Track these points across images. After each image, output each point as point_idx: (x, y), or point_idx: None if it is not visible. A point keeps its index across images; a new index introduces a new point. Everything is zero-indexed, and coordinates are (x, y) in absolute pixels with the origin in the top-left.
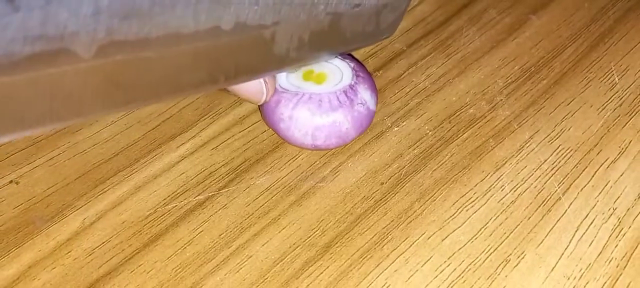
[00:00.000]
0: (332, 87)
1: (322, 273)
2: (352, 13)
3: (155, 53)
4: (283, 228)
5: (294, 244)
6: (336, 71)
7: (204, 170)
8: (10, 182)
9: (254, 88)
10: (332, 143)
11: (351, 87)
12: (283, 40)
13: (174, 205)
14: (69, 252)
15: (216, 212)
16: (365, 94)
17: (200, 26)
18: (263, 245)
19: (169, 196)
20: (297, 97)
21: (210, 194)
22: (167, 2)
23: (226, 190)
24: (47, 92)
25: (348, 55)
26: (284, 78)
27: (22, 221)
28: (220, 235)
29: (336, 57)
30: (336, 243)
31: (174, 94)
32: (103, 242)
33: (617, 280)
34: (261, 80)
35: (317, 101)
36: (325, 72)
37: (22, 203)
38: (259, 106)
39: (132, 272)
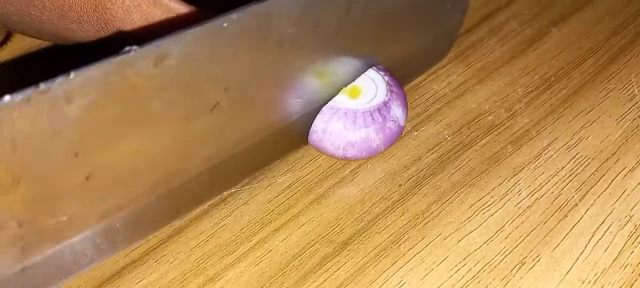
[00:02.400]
0: (366, 102)
1: (339, 268)
2: (405, 52)
3: (243, 147)
4: (302, 225)
5: (312, 240)
6: (371, 85)
7: None
8: None
9: None
10: (362, 156)
11: (385, 104)
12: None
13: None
14: None
15: (238, 207)
16: (397, 111)
17: (278, 113)
18: (283, 240)
19: None
20: (332, 111)
21: (232, 190)
22: (247, 110)
23: (249, 186)
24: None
25: (383, 68)
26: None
27: None
28: (241, 229)
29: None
30: (354, 240)
31: (255, 171)
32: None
33: (632, 285)
34: None
35: (352, 117)
36: (360, 86)
37: None
38: None
39: (156, 261)
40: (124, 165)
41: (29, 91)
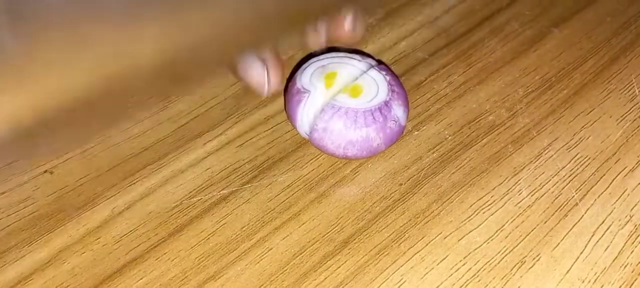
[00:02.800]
0: (367, 102)
1: (339, 267)
2: None
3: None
4: (303, 224)
5: (313, 239)
6: (372, 85)
7: (228, 166)
8: (45, 171)
9: (255, 79)
10: (363, 155)
11: (386, 103)
12: None
13: (199, 198)
14: (98, 239)
15: (239, 206)
16: (398, 111)
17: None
18: (283, 239)
19: (194, 189)
20: (333, 110)
21: (234, 189)
22: None
23: (249, 185)
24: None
25: (385, 68)
26: (321, 91)
27: (55, 208)
28: (242, 227)
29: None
30: (354, 239)
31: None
32: (131, 230)
33: (632, 285)
34: (263, 72)
35: (353, 116)
36: (361, 85)
37: (55, 192)
38: None
39: (157, 259)
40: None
41: None
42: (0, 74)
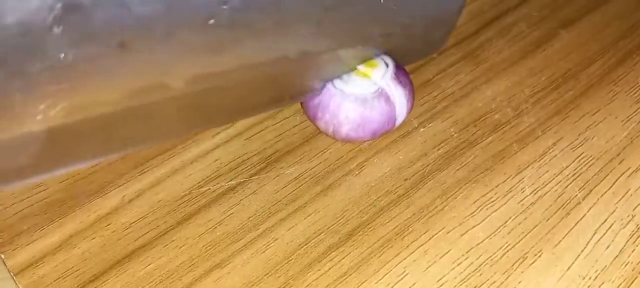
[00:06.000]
0: (370, 84)
1: (343, 258)
2: (404, 33)
3: (233, 81)
4: (309, 215)
5: (318, 230)
6: (381, 68)
7: (237, 158)
8: None
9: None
10: (356, 137)
11: (387, 91)
12: (345, 57)
13: (208, 188)
14: (108, 225)
15: (246, 196)
16: (398, 99)
17: (270, 55)
18: (289, 230)
19: (203, 180)
20: (331, 89)
21: (241, 180)
22: (243, 37)
23: (257, 177)
24: (142, 118)
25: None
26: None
27: (67, 195)
28: (249, 218)
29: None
30: (359, 232)
31: (245, 114)
32: (140, 218)
33: (632, 283)
34: None
35: (352, 98)
36: (370, 68)
37: (67, 179)
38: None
39: (165, 246)
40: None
41: None
42: (50, 79)
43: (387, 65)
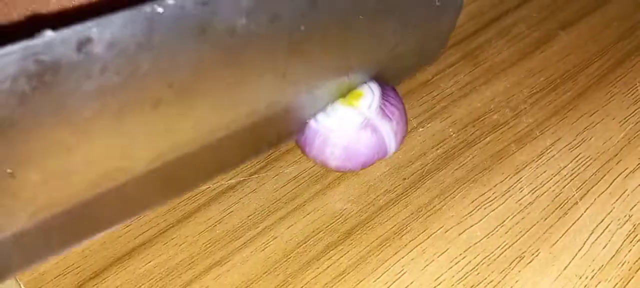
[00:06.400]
0: (359, 114)
1: (342, 256)
2: (391, 55)
3: (200, 145)
4: (308, 214)
5: (317, 229)
6: (368, 98)
7: None
8: None
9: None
10: (344, 168)
11: (375, 122)
12: (322, 96)
13: (207, 186)
14: None
15: (246, 195)
16: (386, 131)
17: (239, 110)
18: (288, 228)
19: None
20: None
21: (241, 179)
22: (199, 105)
23: (256, 176)
24: (112, 199)
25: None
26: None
27: None
28: (248, 216)
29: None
30: (357, 230)
31: (221, 172)
32: (140, 216)
33: (629, 282)
34: None
35: (343, 133)
36: (358, 97)
37: None
38: None
39: (165, 244)
40: (51, 160)
41: None
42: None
43: (373, 92)
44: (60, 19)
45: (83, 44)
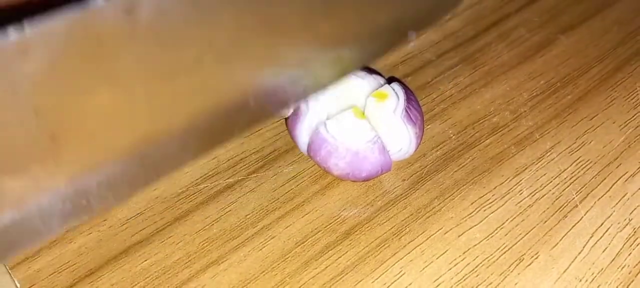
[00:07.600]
0: (370, 130)
1: (340, 257)
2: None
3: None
4: (306, 214)
5: (315, 229)
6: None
7: (235, 156)
8: None
9: None
10: (346, 177)
11: (382, 140)
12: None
13: (205, 185)
14: (104, 220)
15: (244, 194)
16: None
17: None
18: (286, 228)
19: (201, 177)
20: (334, 126)
21: (239, 178)
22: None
23: (255, 175)
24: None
25: (408, 92)
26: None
27: None
28: (246, 215)
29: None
30: (356, 231)
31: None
32: (137, 214)
33: (629, 286)
34: None
35: (354, 150)
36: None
37: None
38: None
39: (162, 242)
40: (94, 124)
41: None
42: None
43: (397, 96)
44: None
45: (131, 7)
